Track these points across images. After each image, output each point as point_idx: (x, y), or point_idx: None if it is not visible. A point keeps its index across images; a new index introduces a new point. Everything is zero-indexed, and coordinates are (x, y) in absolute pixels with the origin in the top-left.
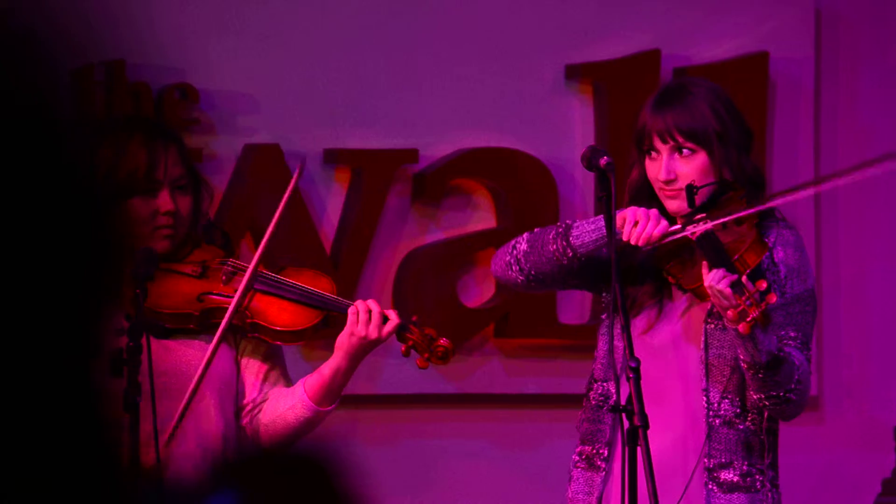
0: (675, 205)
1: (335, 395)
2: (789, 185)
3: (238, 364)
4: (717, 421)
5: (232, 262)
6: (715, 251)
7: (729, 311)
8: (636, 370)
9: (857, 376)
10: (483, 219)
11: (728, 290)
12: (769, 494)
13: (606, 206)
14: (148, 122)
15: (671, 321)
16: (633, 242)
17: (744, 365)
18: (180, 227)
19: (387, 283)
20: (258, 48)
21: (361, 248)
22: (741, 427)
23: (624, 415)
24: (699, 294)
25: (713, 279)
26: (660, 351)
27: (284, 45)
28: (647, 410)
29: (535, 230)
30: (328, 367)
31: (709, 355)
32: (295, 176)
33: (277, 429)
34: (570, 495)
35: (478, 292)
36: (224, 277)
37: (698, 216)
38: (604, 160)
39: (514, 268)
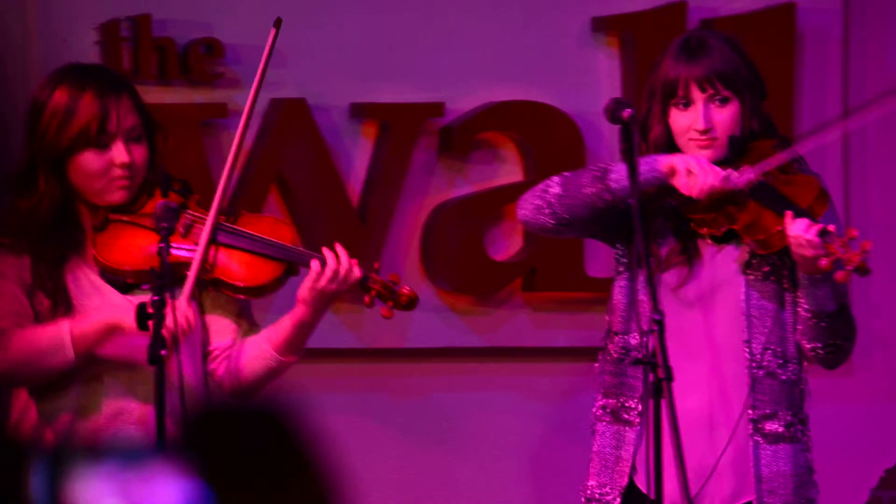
0: (708, 154)
1: (299, 345)
2: (819, 157)
3: (202, 312)
4: (760, 372)
5: (190, 212)
6: (779, 200)
7: (822, 261)
8: (660, 323)
9: (886, 327)
10: (510, 172)
11: (818, 239)
12: (809, 444)
13: (629, 157)
14: (100, 72)
15: (704, 274)
16: (687, 193)
17: (807, 314)
18: (136, 177)
19: (414, 237)
20: (284, 2)
21: (388, 203)
22: (784, 378)
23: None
24: (765, 244)
25: (800, 229)
26: (696, 305)
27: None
28: (685, 365)
29: (566, 174)
30: (291, 319)
31: (749, 307)
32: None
33: (243, 378)
34: (596, 449)
35: (505, 246)
36: (182, 230)
37: (743, 166)
38: (627, 112)
39: (545, 211)
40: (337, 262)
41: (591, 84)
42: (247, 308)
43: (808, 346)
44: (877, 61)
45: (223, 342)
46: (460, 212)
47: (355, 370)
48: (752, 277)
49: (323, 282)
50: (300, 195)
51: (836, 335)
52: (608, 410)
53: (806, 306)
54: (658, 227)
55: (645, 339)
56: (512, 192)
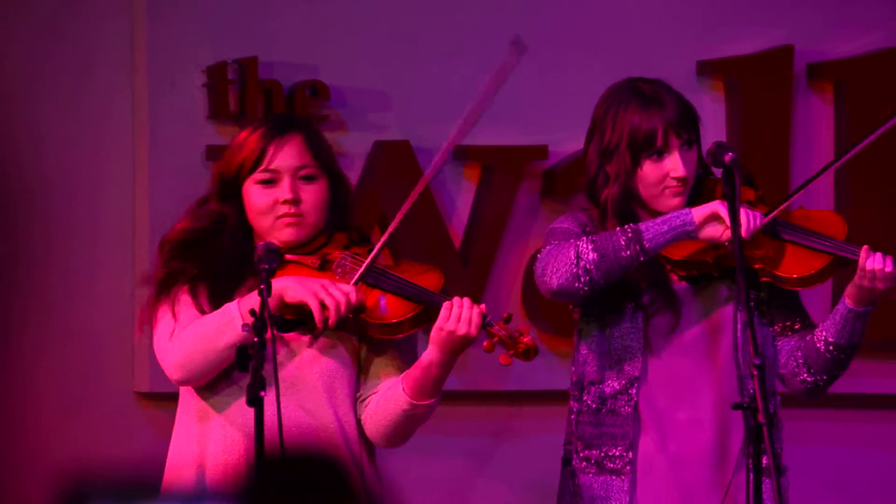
0: (678, 202)
1: (432, 388)
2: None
3: (359, 355)
4: (735, 403)
5: (350, 254)
6: (814, 235)
7: None
8: (761, 367)
9: None
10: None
11: (895, 272)
12: (787, 477)
13: (731, 201)
14: (279, 115)
15: (694, 316)
16: (746, 235)
17: (829, 346)
18: (306, 216)
19: (516, 280)
20: (389, 45)
21: (491, 246)
22: (771, 411)
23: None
24: (808, 281)
25: (878, 263)
26: (691, 347)
27: (416, 42)
28: (683, 408)
29: (593, 237)
30: (422, 360)
31: (743, 343)
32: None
33: (379, 421)
34: (586, 502)
35: None
36: (339, 270)
37: (751, 208)
38: (728, 156)
39: (582, 279)
40: (461, 304)
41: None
42: (404, 353)
43: (809, 378)
44: None
45: (374, 386)
46: None
47: (456, 412)
48: (741, 314)
49: (451, 324)
50: (403, 237)
51: (845, 366)
52: (592, 462)
53: (832, 339)
54: (635, 277)
55: (605, 387)
56: None
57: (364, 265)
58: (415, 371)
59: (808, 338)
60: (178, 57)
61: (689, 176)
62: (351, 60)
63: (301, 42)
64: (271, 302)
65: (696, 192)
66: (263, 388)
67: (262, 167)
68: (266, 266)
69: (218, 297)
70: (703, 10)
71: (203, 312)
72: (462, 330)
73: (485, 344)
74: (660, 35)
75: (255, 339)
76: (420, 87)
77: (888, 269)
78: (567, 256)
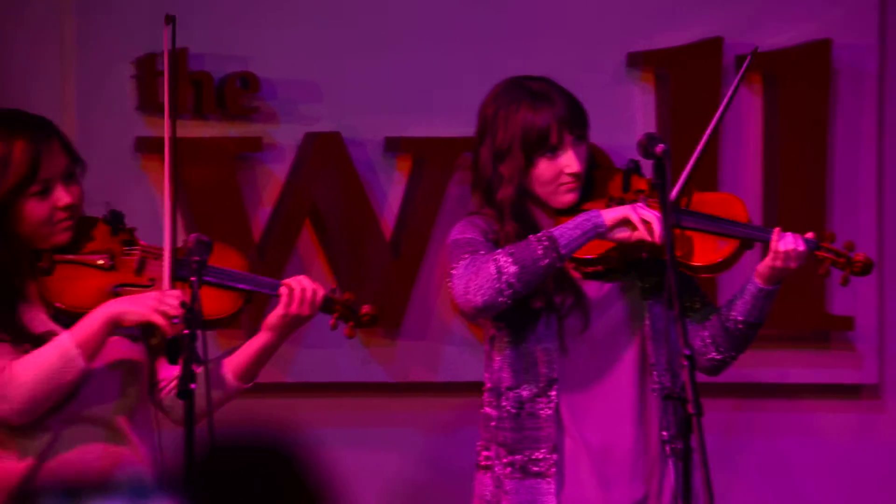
0: (572, 197)
1: (257, 372)
2: (849, 175)
3: (148, 345)
4: (664, 394)
5: (141, 247)
6: (717, 221)
7: (820, 270)
8: (691, 357)
9: None
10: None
11: (807, 251)
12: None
13: (661, 193)
14: (23, 118)
15: (603, 312)
16: (657, 241)
17: (739, 325)
18: (76, 215)
19: (447, 271)
20: (320, 36)
21: (422, 237)
22: (676, 397)
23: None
24: (720, 267)
25: (791, 243)
26: (605, 343)
27: (346, 34)
28: (602, 404)
29: (509, 249)
30: (255, 346)
31: (653, 331)
32: None
33: (203, 404)
34: None
35: None
36: (136, 266)
37: (647, 198)
38: (660, 147)
39: (505, 293)
40: (303, 287)
41: (626, 119)
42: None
43: (718, 356)
44: None
45: (172, 372)
46: None
47: (385, 404)
48: (650, 302)
49: (294, 307)
50: (333, 229)
51: (750, 342)
52: (517, 467)
53: (741, 318)
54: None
55: (522, 392)
56: None
57: (166, 263)
58: (244, 356)
59: (713, 318)
60: (108, 48)
61: (581, 171)
62: (282, 52)
63: (231, 33)
64: (105, 329)
65: (588, 186)
66: (194, 381)
67: (37, 178)
68: (198, 258)
69: (9, 328)
70: (633, 1)
71: (8, 342)
72: (306, 311)
73: (330, 322)
74: (590, 27)
75: (186, 332)
76: (351, 78)
77: (800, 248)
78: (487, 272)
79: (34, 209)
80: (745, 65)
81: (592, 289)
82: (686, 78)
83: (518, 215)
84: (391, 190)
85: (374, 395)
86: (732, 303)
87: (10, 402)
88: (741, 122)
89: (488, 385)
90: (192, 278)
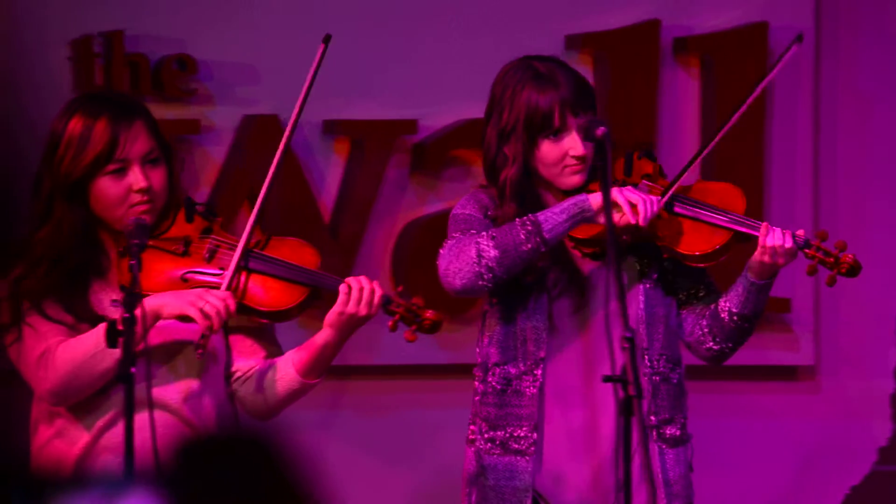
0: (578, 179)
1: (323, 368)
2: (786, 157)
3: (226, 333)
4: (657, 378)
5: (214, 237)
6: (713, 210)
7: (807, 267)
8: (631, 340)
9: (854, 344)
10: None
11: (795, 247)
12: (692, 444)
13: (602, 175)
14: (113, 98)
15: (600, 293)
16: (643, 223)
17: (734, 317)
18: (156, 201)
19: (385, 253)
20: (258, 19)
21: (360, 219)
22: (675, 381)
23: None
24: (709, 257)
25: (777, 239)
26: (596, 325)
27: (284, 16)
28: (589, 387)
29: (493, 233)
30: (317, 342)
31: (648, 315)
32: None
33: (266, 399)
34: (491, 483)
35: None
36: (207, 254)
37: (651, 183)
38: (601, 130)
39: (485, 277)
40: (361, 286)
41: None
42: (270, 330)
43: (716, 346)
44: (847, 80)
45: (247, 363)
46: (432, 228)
47: (323, 387)
48: (647, 285)
49: (351, 306)
50: (272, 211)
51: (749, 335)
52: (497, 442)
53: (736, 310)
54: (539, 259)
55: (510, 368)
56: None
57: (238, 252)
58: (307, 351)
59: (712, 307)
60: (44, 30)
61: (587, 154)
62: (219, 33)
63: (168, 15)
64: (146, 322)
65: (595, 169)
66: (134, 364)
67: (114, 157)
68: (137, 241)
69: (73, 306)
70: None
71: (65, 325)
72: (363, 311)
73: (389, 323)
74: (528, 8)
75: (126, 315)
76: (289, 60)
77: (787, 244)
78: (468, 255)
79: (109, 188)
80: (789, 50)
81: (590, 270)
82: (624, 60)
83: (521, 196)
84: (329, 172)
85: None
86: (728, 294)
87: (48, 383)
88: (679, 105)
89: (478, 360)
90: (132, 262)
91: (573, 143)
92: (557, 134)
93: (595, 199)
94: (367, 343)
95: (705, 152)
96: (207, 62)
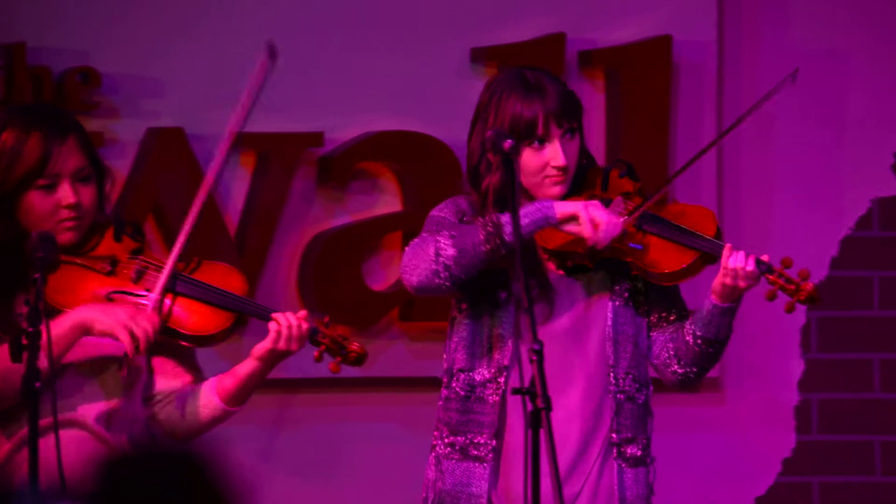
0: (558, 190)
1: (246, 397)
2: (693, 171)
3: (149, 356)
4: (622, 397)
5: (143, 258)
6: (683, 232)
7: (767, 292)
8: (539, 352)
9: (758, 357)
10: (389, 202)
11: (757, 271)
12: (654, 467)
13: (511, 189)
14: (46, 112)
15: (567, 306)
16: (600, 245)
17: (698, 340)
18: (85, 218)
19: (292, 267)
20: (162, 31)
21: (266, 233)
22: (640, 402)
23: (527, 398)
24: (675, 276)
25: (739, 261)
26: (562, 337)
27: (188, 28)
28: (553, 396)
29: (453, 232)
30: (242, 372)
31: (615, 332)
32: None
33: (187, 424)
34: (448, 488)
35: (383, 276)
36: (134, 275)
37: (616, 199)
38: (508, 143)
39: (442, 275)
40: (290, 323)
41: (470, 114)
42: (191, 354)
43: (680, 370)
44: (750, 92)
45: (169, 386)
46: (338, 242)
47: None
48: (617, 303)
49: (281, 344)
50: (177, 225)
51: (715, 360)
52: (457, 448)
53: (700, 333)
54: (509, 266)
55: (475, 375)
56: (391, 223)
57: (164, 274)
58: (232, 380)
59: (679, 330)
60: None
61: (569, 165)
62: (123, 46)
63: (71, 27)
64: (73, 334)
65: (579, 181)
66: (39, 379)
67: (44, 173)
68: (41, 255)
69: None
70: None
71: None
72: (294, 347)
73: (315, 353)
74: (435, 21)
75: (30, 329)
76: (194, 73)
77: (749, 268)
78: (426, 252)
79: (38, 202)
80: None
81: (561, 281)
82: None
83: (503, 204)
84: (235, 186)
85: None
86: (694, 316)
87: None
88: (584, 118)
89: (445, 365)
90: (37, 275)
91: (555, 154)
92: (541, 143)
93: (560, 208)
94: None
95: (679, 174)
96: (111, 75)
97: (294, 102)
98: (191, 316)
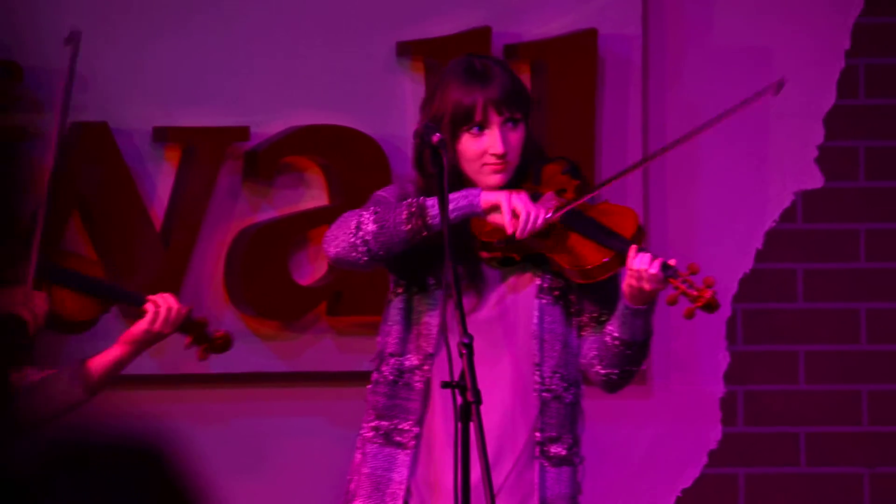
0: (498, 179)
1: (109, 382)
2: (617, 163)
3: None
4: (548, 395)
5: None
6: (602, 231)
7: (668, 296)
8: (469, 346)
9: (683, 349)
10: (315, 196)
11: (661, 274)
12: (582, 465)
13: (438, 182)
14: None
15: (494, 298)
16: (518, 236)
17: (616, 342)
18: None
19: (218, 262)
20: (85, 24)
21: (192, 227)
22: (568, 401)
23: (457, 391)
24: (588, 274)
25: (643, 263)
26: (486, 327)
27: (112, 22)
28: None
29: (377, 209)
30: (111, 357)
31: (542, 330)
32: None
33: (45, 409)
34: (367, 471)
35: (310, 270)
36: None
37: (546, 194)
38: (436, 137)
39: (360, 249)
40: (169, 305)
41: (397, 108)
42: (56, 339)
43: (602, 371)
44: (675, 87)
45: (30, 372)
46: (265, 236)
47: (157, 397)
48: (544, 301)
49: (157, 325)
50: (102, 220)
51: (636, 362)
52: (381, 433)
53: (616, 334)
54: (438, 248)
55: (405, 360)
56: (317, 217)
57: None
58: (98, 365)
59: (602, 332)
60: None
61: (509, 153)
62: (45, 40)
63: None
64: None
65: (524, 174)
66: None
67: None
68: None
69: None
70: None
71: None
72: (167, 330)
73: (186, 341)
74: (360, 15)
75: None
76: (117, 67)
77: (652, 270)
78: (348, 225)
79: None
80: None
81: (491, 272)
82: None
83: (449, 191)
84: (160, 180)
85: (144, 388)
86: (612, 317)
87: None
88: None
89: (378, 348)
90: None
91: (493, 141)
92: (480, 129)
93: (486, 196)
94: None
95: (622, 176)
96: (34, 69)
97: (220, 97)
98: (65, 303)
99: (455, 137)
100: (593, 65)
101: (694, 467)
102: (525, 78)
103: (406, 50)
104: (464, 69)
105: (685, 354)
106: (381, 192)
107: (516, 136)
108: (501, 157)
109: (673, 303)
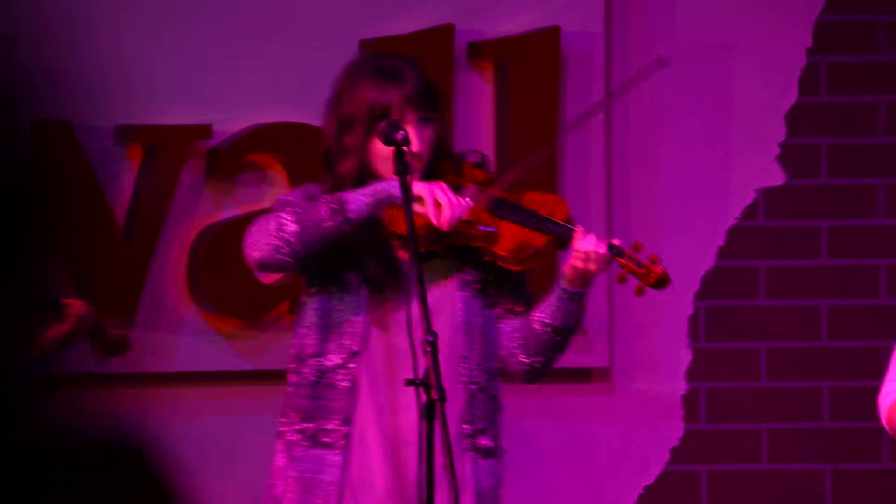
0: (415, 177)
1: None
2: (581, 161)
3: None
4: (474, 388)
5: None
6: (534, 217)
7: (618, 276)
8: (434, 343)
9: (646, 347)
10: (278, 194)
11: (608, 254)
12: (505, 459)
13: (402, 178)
14: None
15: (418, 292)
16: (445, 227)
17: (545, 328)
18: None
19: (180, 260)
20: (46, 20)
21: (155, 226)
22: (492, 393)
23: (421, 389)
24: (524, 261)
25: (590, 244)
26: (413, 324)
27: (76, 22)
28: (399, 385)
29: (296, 209)
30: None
31: (467, 323)
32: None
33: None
34: (296, 474)
35: None
36: None
37: (468, 186)
38: (400, 134)
39: (283, 250)
40: (86, 309)
41: None
42: None
43: (526, 360)
44: (638, 85)
45: None
46: (228, 234)
47: (119, 396)
48: (468, 293)
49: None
50: (65, 218)
51: (561, 350)
52: (307, 435)
53: (547, 321)
54: (356, 246)
55: (325, 360)
56: None
57: None
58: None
59: (526, 319)
60: None
61: (423, 152)
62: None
63: None
64: None
65: (432, 171)
66: None
67: None
68: None
69: None
70: None
71: None
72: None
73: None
74: (323, 13)
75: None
76: (79, 65)
77: (601, 251)
78: (268, 227)
79: None
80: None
81: (411, 266)
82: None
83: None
84: (122, 179)
85: (109, 386)
86: (541, 303)
87: None
88: (472, 111)
89: (293, 351)
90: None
91: (412, 141)
92: None
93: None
94: (164, 350)
95: (534, 163)
96: None
97: (182, 95)
98: None
99: (369, 136)
100: (556, 62)
101: (656, 464)
102: (488, 76)
103: (369, 47)
104: (375, 68)
105: (647, 352)
106: (286, 197)
107: (428, 135)
108: (417, 156)
109: (622, 280)
